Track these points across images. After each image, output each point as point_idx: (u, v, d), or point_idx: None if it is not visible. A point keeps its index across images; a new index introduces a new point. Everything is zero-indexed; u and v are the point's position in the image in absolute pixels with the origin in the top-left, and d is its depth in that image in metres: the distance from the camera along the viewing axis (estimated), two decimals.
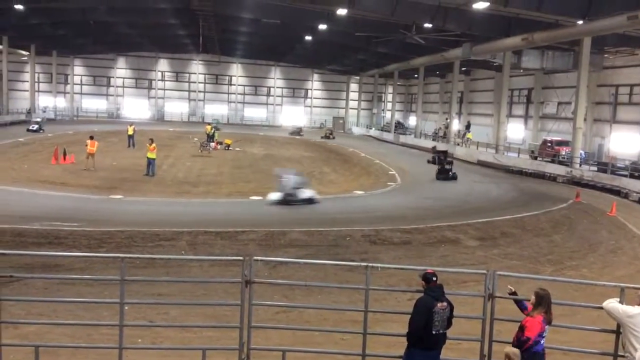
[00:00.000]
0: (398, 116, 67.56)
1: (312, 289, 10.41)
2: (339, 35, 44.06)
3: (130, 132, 36.12)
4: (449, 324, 5.99)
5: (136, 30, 52.63)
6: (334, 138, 54.50)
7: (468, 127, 50.87)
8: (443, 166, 29.41)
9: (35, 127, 44.47)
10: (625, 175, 27.21)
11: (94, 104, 71.03)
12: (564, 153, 33.35)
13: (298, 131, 58.89)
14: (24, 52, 58.84)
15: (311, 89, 75.83)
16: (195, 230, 14.65)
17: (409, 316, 5.92)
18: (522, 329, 5.86)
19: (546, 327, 5.85)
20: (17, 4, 37.66)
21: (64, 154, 27.38)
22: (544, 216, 19.46)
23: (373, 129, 66.41)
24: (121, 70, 72.26)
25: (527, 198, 23.96)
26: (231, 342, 6.67)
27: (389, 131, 60.27)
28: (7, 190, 19.95)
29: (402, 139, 54.44)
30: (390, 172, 30.50)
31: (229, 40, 57.63)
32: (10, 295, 8.01)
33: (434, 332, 5.84)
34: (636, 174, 26.87)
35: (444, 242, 15.29)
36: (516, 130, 48.19)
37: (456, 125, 52.00)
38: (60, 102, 69.39)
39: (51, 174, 23.91)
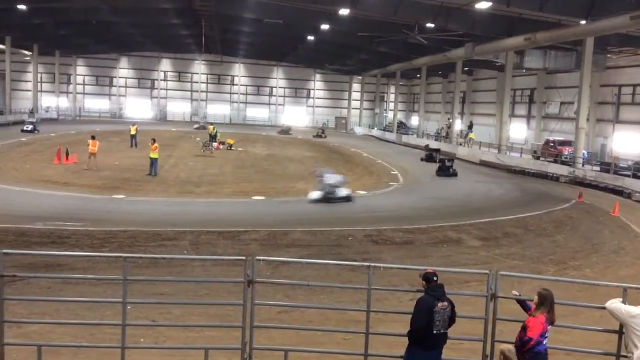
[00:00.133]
0: (400, 116, 67.55)
1: (314, 289, 10.40)
2: (341, 35, 44.05)
3: (133, 132, 36.19)
4: (450, 322, 6.00)
5: (139, 30, 52.70)
6: (325, 137, 55.27)
7: (470, 127, 50.82)
8: (444, 163, 30.50)
9: (30, 127, 43.31)
10: (628, 175, 27.16)
11: (96, 104, 71.14)
12: (566, 153, 33.32)
13: (287, 130, 59.28)
14: (26, 52, 58.96)
15: (313, 89, 75.84)
16: (198, 230, 14.66)
17: (411, 316, 5.93)
18: (524, 329, 5.86)
19: (549, 327, 5.85)
20: (20, 3, 37.80)
21: (67, 154, 27.43)
22: (546, 216, 19.43)
23: (375, 129, 66.43)
24: (124, 70, 72.37)
25: (529, 198, 23.93)
26: (233, 342, 6.67)
27: (391, 131, 60.25)
28: (10, 189, 19.99)
29: (405, 139, 54.41)
30: (393, 172, 30.49)
31: (231, 40, 57.69)
32: (14, 295, 8.01)
33: (435, 332, 5.85)
34: (639, 174, 26.83)
35: (446, 242, 15.28)
36: (519, 130, 48.13)
37: (458, 125, 52.00)
38: (63, 102, 69.48)
39: (54, 173, 23.95)
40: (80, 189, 20.75)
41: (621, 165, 29.83)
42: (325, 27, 40.08)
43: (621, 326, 6.03)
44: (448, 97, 57.10)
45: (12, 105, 57.90)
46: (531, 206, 21.16)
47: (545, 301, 5.85)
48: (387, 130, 62.12)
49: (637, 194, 24.45)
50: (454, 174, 29.64)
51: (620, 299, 6.04)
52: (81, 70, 71.11)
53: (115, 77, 72.14)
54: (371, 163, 35.01)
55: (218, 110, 72.81)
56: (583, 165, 30.94)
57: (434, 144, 44.47)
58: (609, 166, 29.52)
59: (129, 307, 6.72)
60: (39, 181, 22.05)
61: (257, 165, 30.65)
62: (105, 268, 11.00)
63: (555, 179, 30.01)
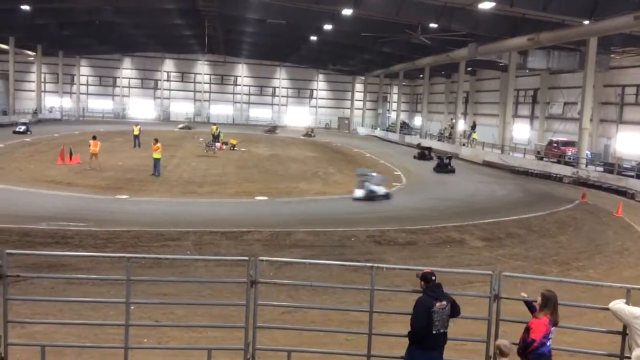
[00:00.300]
0: (403, 116, 67.54)
1: (317, 290, 10.41)
2: (344, 36, 44.06)
3: (136, 132, 36.26)
4: (453, 315, 6.03)
5: (142, 30, 52.83)
6: (314, 136, 56.55)
7: (473, 127, 50.73)
8: (442, 160, 32.16)
9: (22, 128, 41.89)
10: (631, 176, 27.10)
11: (99, 104, 71.30)
12: (570, 153, 33.26)
13: (273, 129, 59.62)
14: (30, 53, 59.13)
15: (316, 89, 75.83)
16: (201, 231, 14.69)
17: (410, 317, 5.94)
18: (527, 330, 5.83)
19: (552, 328, 5.82)
20: (23, 4, 37.91)
21: (70, 154, 27.49)
22: (549, 217, 19.41)
23: (378, 129, 66.38)
24: (127, 71, 72.49)
25: (533, 199, 23.89)
26: (237, 342, 6.67)
27: (394, 131, 60.22)
28: (14, 190, 20.05)
29: (408, 139, 54.36)
30: (396, 173, 30.46)
31: (234, 40, 57.75)
32: (17, 295, 8.04)
33: (434, 332, 5.86)
34: None
35: (449, 243, 15.27)
36: (522, 131, 48.05)
37: (462, 125, 51.95)
38: (67, 103, 69.68)
39: (57, 174, 24.00)
40: (84, 190, 20.79)
41: (625, 165, 29.76)
42: (328, 27, 40.08)
43: (625, 327, 6.02)
44: (451, 97, 57.06)
45: (16, 106, 58.09)
46: (534, 207, 21.13)
47: (549, 302, 5.82)
48: (390, 131, 62.08)
49: None
50: (452, 171, 31.08)
51: (624, 300, 6.02)
52: (85, 71, 71.27)
53: (119, 77, 72.27)
54: (374, 163, 34.95)
55: (221, 110, 72.87)
56: (586, 165, 30.86)
57: (425, 142, 45.98)
58: (612, 167, 29.45)
59: (132, 308, 6.74)
60: (43, 181, 22.10)
61: (259, 166, 30.68)
62: (109, 268, 11.02)
63: (558, 179, 29.95)
